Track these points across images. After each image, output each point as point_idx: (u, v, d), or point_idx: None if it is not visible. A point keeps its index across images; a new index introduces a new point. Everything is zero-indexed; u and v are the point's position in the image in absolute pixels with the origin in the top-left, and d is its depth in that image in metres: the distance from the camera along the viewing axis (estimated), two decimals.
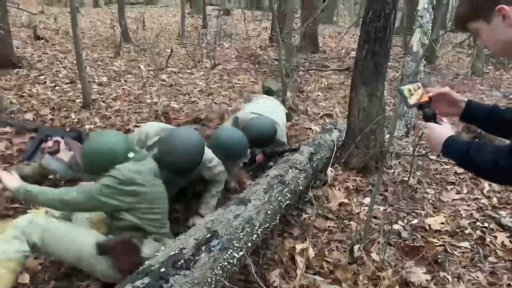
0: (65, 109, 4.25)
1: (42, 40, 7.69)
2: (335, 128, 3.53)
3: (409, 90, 1.38)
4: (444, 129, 1.29)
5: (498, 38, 1.16)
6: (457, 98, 1.39)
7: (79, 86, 5.03)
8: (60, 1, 18.63)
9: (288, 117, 3.72)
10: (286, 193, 2.25)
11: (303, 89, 5.69)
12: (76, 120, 3.97)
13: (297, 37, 8.46)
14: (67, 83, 5.18)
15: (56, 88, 4.97)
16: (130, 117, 4.13)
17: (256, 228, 1.86)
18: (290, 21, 6.30)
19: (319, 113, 4.66)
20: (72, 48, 7.31)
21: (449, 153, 1.25)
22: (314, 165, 2.77)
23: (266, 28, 11.42)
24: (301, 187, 2.49)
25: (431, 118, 1.35)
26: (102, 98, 4.70)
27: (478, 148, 1.18)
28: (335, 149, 3.23)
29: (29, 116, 3.94)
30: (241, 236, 1.74)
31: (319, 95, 5.50)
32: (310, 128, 4.11)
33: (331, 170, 3.12)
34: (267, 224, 1.98)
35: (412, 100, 1.36)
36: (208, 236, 1.61)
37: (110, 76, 5.73)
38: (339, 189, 2.86)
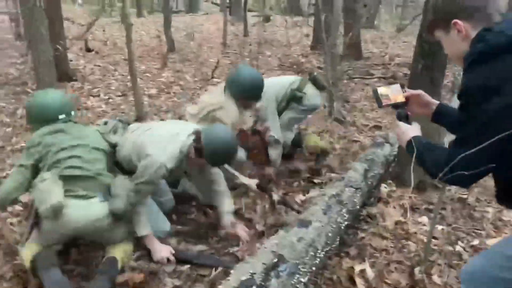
0: None
1: (93, 52, 8.06)
2: (386, 142, 3.49)
3: (386, 91, 1.55)
4: (411, 129, 1.46)
5: (454, 49, 1.31)
6: (429, 100, 1.58)
7: (131, 98, 5.25)
8: (105, 11, 19.36)
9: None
10: (344, 214, 2.25)
11: (348, 98, 5.65)
12: None
13: (340, 44, 8.41)
14: (119, 96, 5.40)
15: (110, 100, 5.20)
16: None
17: (319, 251, 1.88)
18: (335, 28, 6.28)
19: (367, 125, 4.61)
20: (121, 59, 7.65)
21: (410, 151, 1.39)
22: (369, 183, 2.76)
23: (308, 35, 11.36)
24: (358, 207, 2.49)
25: (403, 118, 1.53)
26: (153, 110, 4.87)
27: (430, 149, 1.35)
28: (388, 164, 3.19)
29: None
30: (306, 260, 1.76)
31: (365, 105, 5.44)
32: (359, 141, 4.08)
33: (385, 187, 3.11)
34: (329, 247, 1.99)
35: (387, 101, 1.54)
36: (275, 260, 1.65)
37: (159, 88, 5.91)
38: (394, 207, 2.83)
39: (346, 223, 2.25)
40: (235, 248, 2.38)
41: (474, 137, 1.16)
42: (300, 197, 3.00)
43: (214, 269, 2.21)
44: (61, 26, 5.79)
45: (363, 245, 2.44)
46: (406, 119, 1.52)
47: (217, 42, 10.84)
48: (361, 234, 2.57)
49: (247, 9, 13.41)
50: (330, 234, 2.03)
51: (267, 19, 14.59)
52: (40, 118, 2.31)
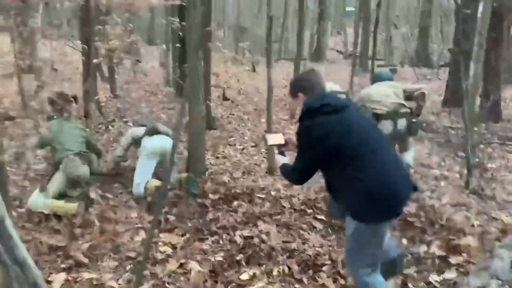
0: (252, 173, 4.79)
1: (229, 101, 8.85)
2: None
3: (272, 136, 2.62)
4: (283, 159, 2.45)
5: (299, 108, 2.29)
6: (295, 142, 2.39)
7: (262, 150, 5.64)
8: (236, 60, 21.06)
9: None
10: None
11: (486, 167, 5.27)
12: (262, 185, 4.43)
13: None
14: (252, 146, 5.85)
15: (244, 150, 5.66)
16: (310, 187, 4.42)
17: None
18: (475, 87, 5.96)
19: (510, 201, 4.25)
20: (253, 109, 8.25)
21: (281, 173, 2.44)
22: None
23: (439, 92, 10.85)
24: None
25: (281, 153, 2.52)
26: None
27: (288, 170, 2.31)
28: None
29: (225, 178, 4.55)
30: None
31: (506, 176, 5.02)
32: (501, 219, 3.78)
33: None
34: None
35: (271, 142, 2.55)
36: None
37: None
38: None
39: None
40: None
41: (300, 160, 2.19)
42: (434, 277, 2.90)
43: None
44: (209, 81, 6.55)
45: None
46: (283, 153, 2.51)
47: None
48: None
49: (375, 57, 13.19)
50: None
51: (394, 71, 14.39)
52: None
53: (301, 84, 2.36)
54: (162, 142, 4.16)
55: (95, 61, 4.36)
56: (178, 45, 7.17)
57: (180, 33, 6.13)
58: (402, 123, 4.09)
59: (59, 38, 7.69)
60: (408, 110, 4.12)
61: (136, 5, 5.02)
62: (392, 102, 4.06)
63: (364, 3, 17.92)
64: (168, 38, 10.51)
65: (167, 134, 4.32)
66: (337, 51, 27.61)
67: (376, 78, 4.54)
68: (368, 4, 17.42)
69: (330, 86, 4.00)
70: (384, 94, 4.11)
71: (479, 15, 6.12)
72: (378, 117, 4.03)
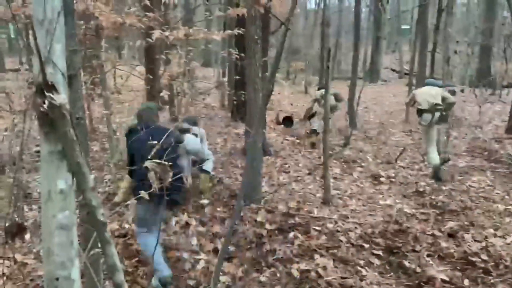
0: (308, 203, 4.84)
1: (282, 126, 8.98)
2: None
3: None
4: None
5: None
6: None
7: (317, 178, 5.68)
8: (289, 80, 21.29)
9: None
10: None
11: None
12: (317, 216, 4.46)
13: None
14: (308, 174, 5.90)
15: (299, 178, 5.73)
16: (366, 220, 4.40)
17: None
18: None
19: None
20: (305, 133, 8.30)
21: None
22: None
23: (502, 117, 10.35)
24: None
25: None
26: (339, 194, 5.17)
27: None
28: None
29: (281, 207, 4.64)
30: None
31: None
32: None
33: None
34: None
35: None
36: None
37: (342, 168, 6.24)
38: None
39: None
40: None
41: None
42: None
43: None
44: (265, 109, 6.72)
45: None
46: None
47: (399, 116, 10.82)
48: None
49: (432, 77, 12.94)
50: None
51: (453, 92, 13.88)
52: None
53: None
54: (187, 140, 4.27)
55: (161, 94, 4.64)
56: (236, 77, 7.47)
57: (238, 63, 6.38)
58: (436, 115, 5.80)
59: (124, 65, 8.25)
60: (441, 107, 5.79)
61: (199, 38, 5.31)
62: (430, 102, 5.75)
63: (421, 21, 17.51)
64: (225, 63, 10.90)
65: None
66: (392, 69, 27.10)
67: (427, 83, 6.44)
68: (425, 22, 17.01)
69: None
70: (427, 94, 5.85)
71: None
72: (421, 111, 5.83)
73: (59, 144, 0.97)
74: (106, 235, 0.95)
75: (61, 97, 0.94)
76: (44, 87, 0.92)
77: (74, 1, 5.10)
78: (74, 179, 1.00)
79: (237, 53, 5.75)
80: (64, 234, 0.99)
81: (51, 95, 0.92)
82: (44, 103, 0.92)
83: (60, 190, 0.98)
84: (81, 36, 5.82)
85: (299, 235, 3.95)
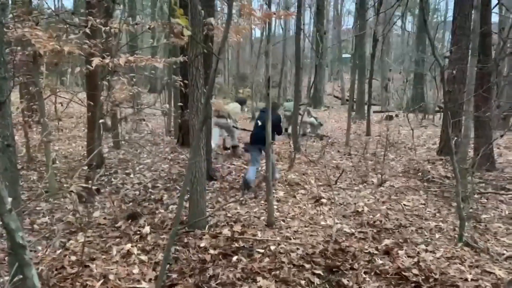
0: (252, 226, 4.91)
1: (229, 151, 9.09)
2: None
3: None
4: None
5: None
6: None
7: (262, 202, 5.78)
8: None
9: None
10: None
11: (480, 218, 5.39)
12: (261, 238, 4.54)
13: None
14: (253, 198, 5.99)
15: (244, 202, 5.80)
16: (307, 240, 4.54)
17: None
18: (465, 142, 6.20)
19: (503, 253, 4.34)
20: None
21: None
22: None
23: (435, 139, 11.13)
24: None
25: None
26: (281, 216, 5.28)
27: None
28: None
29: (226, 231, 4.67)
30: None
31: (500, 227, 5.12)
32: (493, 273, 3.87)
33: None
34: None
35: None
36: None
37: (286, 191, 6.40)
38: None
39: None
40: None
41: None
42: None
43: None
44: (201, 134, 6.81)
45: None
46: None
47: (340, 141, 11.29)
48: None
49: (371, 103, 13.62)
50: None
51: (389, 117, 14.78)
52: None
53: None
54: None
55: (101, 121, 4.58)
56: (180, 104, 7.52)
57: (183, 89, 6.44)
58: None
59: (63, 92, 8.05)
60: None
61: (141, 65, 5.34)
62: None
63: (358, 50, 18.62)
64: (170, 89, 10.92)
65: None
66: (335, 96, 28.30)
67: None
68: (362, 51, 18.10)
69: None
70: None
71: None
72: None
73: None
74: (25, 257, 0.96)
75: None
76: None
77: (11, 28, 4.98)
78: None
79: (180, 79, 5.82)
80: None
81: None
82: None
83: None
84: (17, 62, 5.66)
85: (243, 258, 4.00)
